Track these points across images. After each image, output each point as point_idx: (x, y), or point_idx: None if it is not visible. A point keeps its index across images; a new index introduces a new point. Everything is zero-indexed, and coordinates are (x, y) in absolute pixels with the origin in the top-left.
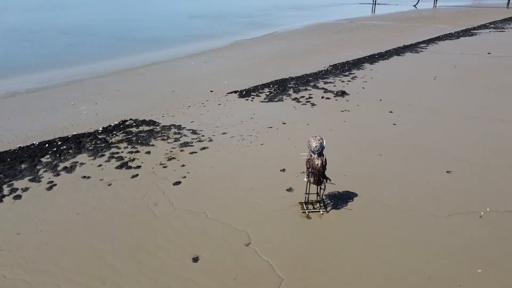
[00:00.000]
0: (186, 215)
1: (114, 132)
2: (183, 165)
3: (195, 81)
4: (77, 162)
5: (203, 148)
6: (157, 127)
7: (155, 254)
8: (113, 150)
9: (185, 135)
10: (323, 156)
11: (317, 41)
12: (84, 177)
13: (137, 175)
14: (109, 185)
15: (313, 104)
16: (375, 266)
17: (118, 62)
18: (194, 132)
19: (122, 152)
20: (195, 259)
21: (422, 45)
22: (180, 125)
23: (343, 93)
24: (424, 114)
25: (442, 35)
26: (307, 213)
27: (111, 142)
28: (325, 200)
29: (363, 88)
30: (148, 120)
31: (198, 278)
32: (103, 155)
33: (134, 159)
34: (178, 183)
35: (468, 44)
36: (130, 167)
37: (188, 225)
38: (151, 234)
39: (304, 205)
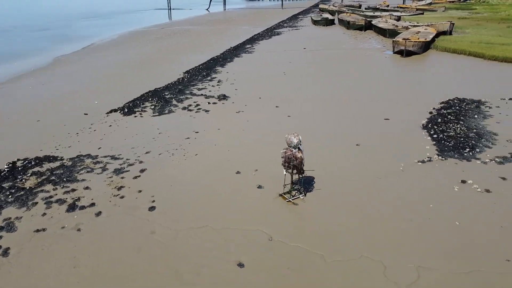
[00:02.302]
0: (193, 232)
1: (19, 177)
2: (140, 191)
3: (55, 105)
4: (9, 218)
5: (142, 171)
6: (64, 161)
7: (200, 272)
8: (42, 195)
9: (108, 163)
10: (301, 149)
11: (147, 50)
12: (38, 230)
13: (100, 212)
14: (78, 230)
15: (206, 110)
16: (371, 222)
17: None
18: (113, 157)
19: (56, 194)
20: (240, 265)
21: (248, 46)
22: (90, 154)
23: (224, 97)
24: (303, 104)
25: (255, 36)
26: (292, 201)
27: (30, 187)
28: (297, 187)
29: (236, 89)
30: (43, 156)
31: (256, 279)
32: (35, 202)
33: (79, 198)
34: (152, 208)
35: (283, 42)
36: (84, 207)
37: (204, 240)
38: (177, 258)
39: (284, 195)
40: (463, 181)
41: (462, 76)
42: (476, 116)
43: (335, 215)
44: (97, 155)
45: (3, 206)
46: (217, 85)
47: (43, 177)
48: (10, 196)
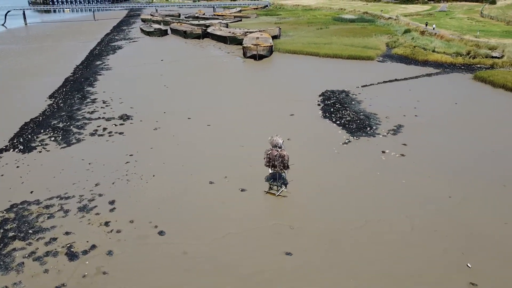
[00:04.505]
0: (220, 242)
1: None
2: (132, 221)
3: None
4: (5, 287)
5: (112, 202)
6: (2, 213)
7: (260, 269)
8: (20, 253)
9: (62, 204)
10: (283, 148)
11: None
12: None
13: (111, 251)
14: (104, 273)
15: (120, 133)
16: (349, 194)
17: None
18: (61, 198)
19: (37, 248)
20: (288, 254)
21: (98, 62)
22: (26, 200)
23: (128, 117)
24: (211, 112)
25: (95, 51)
26: (280, 195)
27: None
28: (275, 182)
29: (131, 108)
30: None
31: (307, 262)
32: (21, 263)
33: (69, 245)
34: (162, 232)
35: (132, 55)
36: (86, 251)
37: (238, 245)
38: (231, 265)
39: (270, 192)
40: (383, 151)
41: (316, 72)
42: (353, 102)
43: (320, 196)
44: (38, 200)
45: None
46: (106, 106)
47: None
48: None
